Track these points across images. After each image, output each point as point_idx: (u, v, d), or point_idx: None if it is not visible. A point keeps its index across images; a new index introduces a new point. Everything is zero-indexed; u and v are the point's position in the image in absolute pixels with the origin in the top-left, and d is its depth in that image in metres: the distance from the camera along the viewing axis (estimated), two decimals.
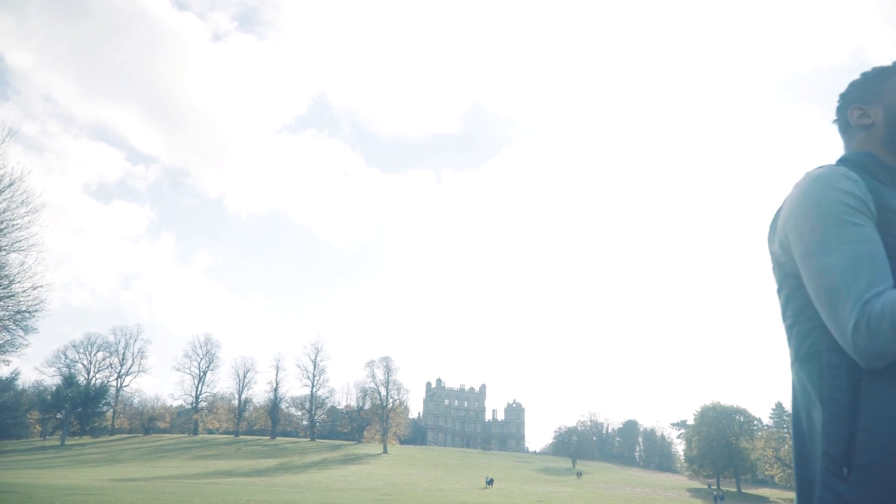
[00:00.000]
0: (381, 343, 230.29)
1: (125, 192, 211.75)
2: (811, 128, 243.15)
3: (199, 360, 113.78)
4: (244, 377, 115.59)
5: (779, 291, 1.60)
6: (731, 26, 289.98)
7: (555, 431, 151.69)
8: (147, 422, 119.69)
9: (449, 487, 58.07)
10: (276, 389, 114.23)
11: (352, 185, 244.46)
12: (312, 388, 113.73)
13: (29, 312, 27.51)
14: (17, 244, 25.83)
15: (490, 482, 65.17)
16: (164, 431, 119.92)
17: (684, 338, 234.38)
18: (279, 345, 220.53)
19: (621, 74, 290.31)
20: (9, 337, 27.87)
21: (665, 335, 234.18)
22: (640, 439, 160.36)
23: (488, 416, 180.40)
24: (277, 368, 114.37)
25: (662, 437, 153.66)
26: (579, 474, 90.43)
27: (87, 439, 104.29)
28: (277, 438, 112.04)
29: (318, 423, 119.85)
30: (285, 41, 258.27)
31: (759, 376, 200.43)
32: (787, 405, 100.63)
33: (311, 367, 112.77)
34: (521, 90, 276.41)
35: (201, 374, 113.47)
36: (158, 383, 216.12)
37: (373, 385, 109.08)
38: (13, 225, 25.71)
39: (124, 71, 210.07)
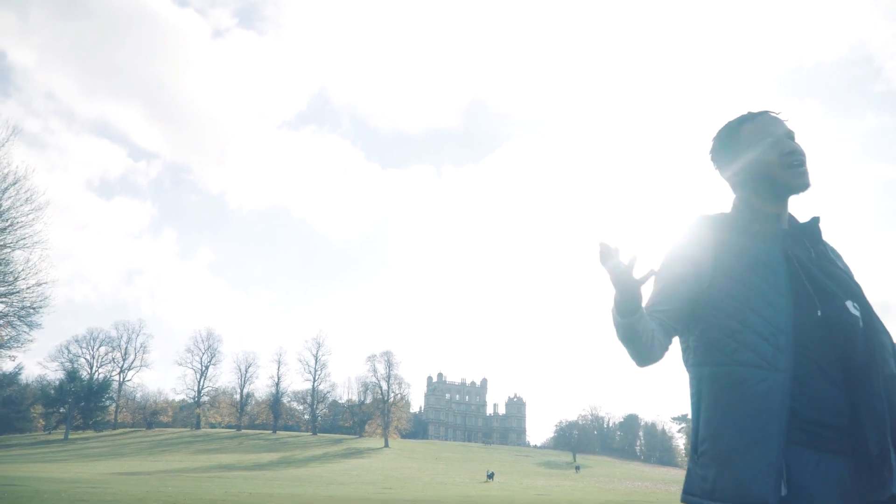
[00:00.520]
0: (382, 338, 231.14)
1: (127, 189, 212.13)
2: (812, 123, 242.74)
3: (200, 354, 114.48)
4: (246, 372, 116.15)
5: None
6: (731, 21, 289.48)
7: (556, 425, 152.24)
8: (150, 416, 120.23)
9: (450, 481, 58.41)
10: (277, 384, 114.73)
11: (352, 180, 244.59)
12: (314, 382, 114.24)
13: (33, 308, 27.84)
14: (21, 241, 26.14)
15: (491, 476, 65.49)
16: (167, 426, 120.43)
17: None
18: (280, 339, 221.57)
19: (621, 69, 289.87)
20: (14, 333, 28.21)
21: None
22: (641, 433, 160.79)
23: (489, 411, 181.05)
24: (279, 363, 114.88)
25: (663, 431, 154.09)
26: (577, 468, 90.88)
27: (90, 433, 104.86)
28: (279, 432, 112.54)
29: (319, 418, 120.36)
30: (285, 37, 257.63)
31: None
32: None
33: (312, 362, 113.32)
34: (521, 85, 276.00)
35: (203, 368, 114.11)
36: (161, 378, 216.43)
37: (374, 379, 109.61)
38: (18, 222, 26.00)
39: (125, 68, 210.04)
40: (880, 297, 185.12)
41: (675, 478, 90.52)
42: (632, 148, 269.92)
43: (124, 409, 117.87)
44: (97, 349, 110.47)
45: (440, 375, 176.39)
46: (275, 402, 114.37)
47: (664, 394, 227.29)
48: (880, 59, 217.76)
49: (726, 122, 2.07)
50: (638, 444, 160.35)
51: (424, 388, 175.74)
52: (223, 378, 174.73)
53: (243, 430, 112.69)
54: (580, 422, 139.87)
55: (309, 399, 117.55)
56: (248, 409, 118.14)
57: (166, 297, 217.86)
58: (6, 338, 27.91)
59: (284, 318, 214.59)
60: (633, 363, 1.81)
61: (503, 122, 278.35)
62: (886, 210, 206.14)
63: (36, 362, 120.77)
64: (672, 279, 1.85)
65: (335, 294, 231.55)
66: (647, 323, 1.71)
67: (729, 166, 2.00)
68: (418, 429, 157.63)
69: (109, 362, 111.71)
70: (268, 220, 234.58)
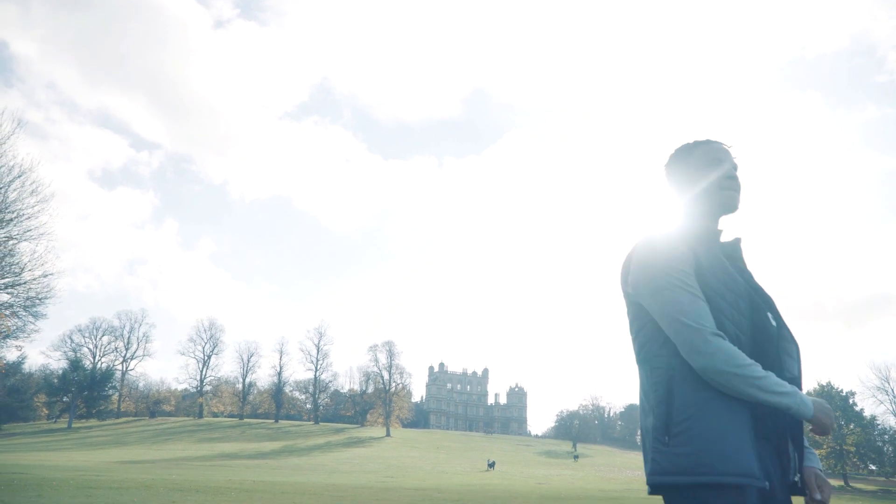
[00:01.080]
0: (383, 328, 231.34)
1: (129, 179, 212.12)
2: (813, 114, 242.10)
3: (203, 344, 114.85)
4: (248, 361, 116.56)
5: (628, 313, 2.13)
6: (732, 11, 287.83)
7: (557, 415, 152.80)
8: (153, 405, 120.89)
9: (451, 470, 58.85)
10: (279, 373, 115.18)
11: (354, 171, 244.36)
12: (316, 372, 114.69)
13: (39, 299, 28.11)
14: (27, 233, 26.38)
15: (492, 465, 65.96)
16: (170, 415, 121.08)
17: None
18: (283, 329, 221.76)
19: (622, 59, 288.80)
20: (20, 323, 28.49)
21: None
22: None
23: (490, 400, 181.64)
24: (281, 353, 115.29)
25: None
26: (576, 457, 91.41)
27: (93, 422, 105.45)
28: (281, 422, 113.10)
29: (321, 407, 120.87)
30: (287, 27, 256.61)
31: None
32: None
33: (314, 352, 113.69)
34: (523, 75, 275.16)
35: (206, 358, 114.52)
36: (163, 367, 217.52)
37: (376, 369, 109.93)
38: (23, 214, 26.23)
39: (127, 58, 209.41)
40: (881, 288, 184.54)
41: None
42: (632, 137, 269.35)
43: (127, 399, 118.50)
44: (100, 339, 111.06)
45: (441, 365, 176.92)
46: (277, 391, 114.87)
47: None
48: (882, 49, 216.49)
49: (683, 144, 2.31)
50: (639, 433, 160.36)
51: (426, 378, 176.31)
52: (225, 368, 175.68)
53: (246, 420, 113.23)
54: (581, 411, 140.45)
55: (311, 388, 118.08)
56: (251, 398, 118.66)
57: (168, 287, 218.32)
58: (12, 328, 28.20)
59: (286, 308, 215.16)
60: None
61: (505, 113, 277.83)
62: (887, 202, 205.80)
63: (39, 351, 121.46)
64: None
65: (337, 284, 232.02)
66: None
67: (680, 183, 2.25)
68: (420, 418, 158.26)
69: (112, 352, 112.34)
70: (269, 210, 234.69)
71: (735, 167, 2.22)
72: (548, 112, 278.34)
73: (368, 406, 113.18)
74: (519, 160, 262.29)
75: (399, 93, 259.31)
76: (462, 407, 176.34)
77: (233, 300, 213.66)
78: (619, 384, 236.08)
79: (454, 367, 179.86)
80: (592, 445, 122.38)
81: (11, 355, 73.44)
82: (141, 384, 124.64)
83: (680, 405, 1.89)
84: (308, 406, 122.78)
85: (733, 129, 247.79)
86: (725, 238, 2.22)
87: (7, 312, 27.37)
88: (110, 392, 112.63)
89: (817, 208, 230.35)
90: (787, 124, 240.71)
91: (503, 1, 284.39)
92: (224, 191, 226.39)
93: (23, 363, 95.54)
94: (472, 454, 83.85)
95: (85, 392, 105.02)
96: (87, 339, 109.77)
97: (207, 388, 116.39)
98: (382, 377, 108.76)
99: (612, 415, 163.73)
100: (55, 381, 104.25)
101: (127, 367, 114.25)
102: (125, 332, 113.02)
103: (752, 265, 2.27)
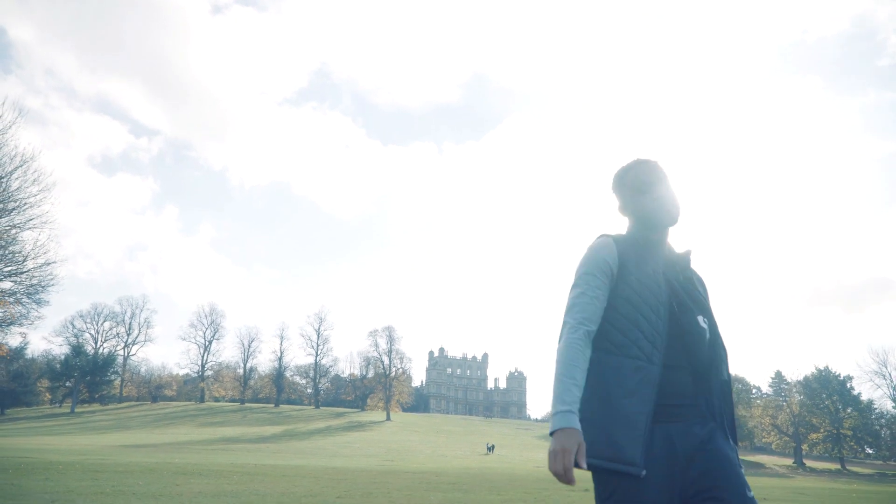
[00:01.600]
0: (383, 313, 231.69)
1: (129, 165, 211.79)
2: (813, 98, 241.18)
3: (204, 329, 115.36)
4: (249, 346, 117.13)
5: None
6: None
7: None
8: (154, 390, 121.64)
9: (451, 454, 59.37)
10: (280, 358, 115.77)
11: (353, 157, 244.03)
12: (316, 357, 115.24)
13: (42, 287, 28.39)
14: (30, 222, 26.62)
15: (491, 448, 66.51)
16: (171, 399, 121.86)
17: None
18: (283, 315, 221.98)
19: (622, 43, 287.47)
20: (24, 311, 28.80)
21: None
22: None
23: (490, 385, 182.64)
24: (282, 338, 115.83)
25: None
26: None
27: (96, 406, 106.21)
28: (282, 406, 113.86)
29: (322, 392, 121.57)
30: (285, 12, 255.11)
31: (760, 346, 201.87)
32: (787, 374, 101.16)
33: (314, 337, 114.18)
34: (522, 60, 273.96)
35: (207, 343, 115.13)
36: (165, 352, 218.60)
37: (376, 354, 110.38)
38: (26, 203, 26.43)
39: (125, 44, 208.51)
40: (880, 273, 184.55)
41: None
42: (632, 122, 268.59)
43: (129, 383, 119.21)
44: (101, 324, 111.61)
45: (441, 350, 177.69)
46: (278, 376, 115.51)
47: None
48: (884, 32, 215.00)
49: (618, 169, 2.57)
50: None
51: (426, 363, 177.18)
52: (226, 353, 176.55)
53: (247, 404, 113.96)
54: None
55: (311, 373, 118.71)
56: (252, 383, 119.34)
57: (169, 273, 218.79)
58: (16, 315, 28.52)
59: (286, 293, 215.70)
60: None
61: (504, 98, 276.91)
62: (887, 186, 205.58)
63: (41, 337, 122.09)
64: (596, 298, 2.27)
65: (336, 270, 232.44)
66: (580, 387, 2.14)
67: (620, 207, 2.52)
68: (420, 402, 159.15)
69: (114, 337, 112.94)
70: (269, 196, 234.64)
71: (664, 185, 2.42)
72: (547, 97, 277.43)
73: (369, 390, 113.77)
74: (519, 146, 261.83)
75: (398, 78, 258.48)
76: (462, 391, 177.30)
77: (233, 286, 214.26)
78: None
79: (454, 351, 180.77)
80: None
81: (14, 341, 74.00)
82: (143, 369, 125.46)
83: (588, 396, 2.12)
84: (309, 390, 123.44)
85: (733, 113, 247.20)
86: (678, 248, 2.47)
87: (11, 300, 27.68)
88: (112, 377, 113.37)
89: (817, 193, 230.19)
90: (787, 109, 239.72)
91: None
92: (224, 177, 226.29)
93: (25, 349, 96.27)
94: (472, 438, 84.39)
95: (87, 377, 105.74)
96: (89, 325, 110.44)
97: (209, 372, 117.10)
98: (382, 362, 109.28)
99: None
100: (58, 366, 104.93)
101: (128, 353, 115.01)
102: (126, 318, 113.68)
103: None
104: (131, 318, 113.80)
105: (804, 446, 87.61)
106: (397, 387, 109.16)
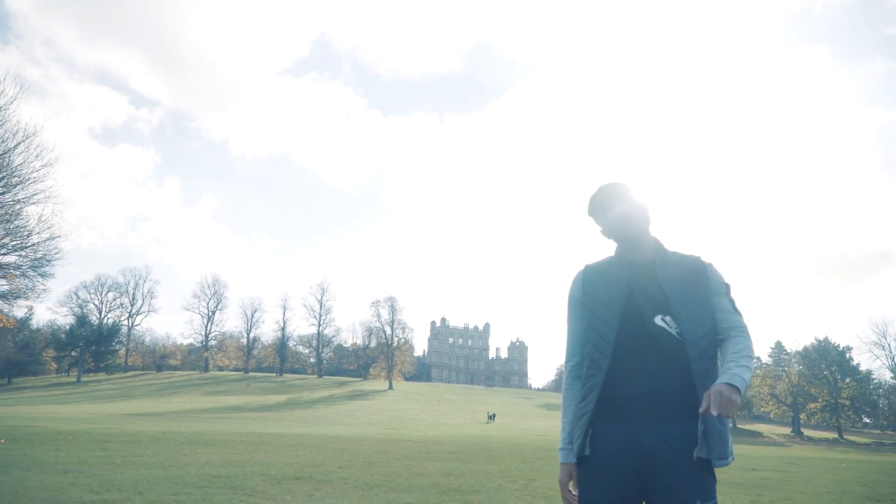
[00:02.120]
0: (385, 283, 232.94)
1: (130, 136, 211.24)
2: (819, 68, 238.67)
3: (207, 300, 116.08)
4: (252, 317, 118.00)
5: None
6: None
7: (557, 368, 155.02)
8: (159, 359, 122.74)
9: (452, 422, 60.13)
10: (283, 328, 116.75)
11: (354, 127, 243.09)
12: (319, 327, 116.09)
13: (47, 260, 28.66)
14: (34, 197, 26.75)
15: (492, 417, 67.31)
16: (176, 368, 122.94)
17: None
18: (285, 285, 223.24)
19: (627, 13, 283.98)
20: (29, 284, 29.11)
21: None
22: None
23: (492, 354, 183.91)
24: (284, 308, 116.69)
25: None
26: None
27: (101, 376, 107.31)
28: (285, 375, 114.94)
29: (325, 361, 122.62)
30: None
31: (762, 316, 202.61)
32: (787, 344, 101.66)
33: (317, 307, 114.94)
34: (525, 29, 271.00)
35: (210, 313, 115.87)
36: (168, 323, 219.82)
37: (378, 324, 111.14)
38: (29, 178, 26.55)
39: (125, 14, 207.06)
40: (882, 244, 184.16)
41: None
42: (636, 92, 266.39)
43: (134, 353, 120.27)
44: (105, 295, 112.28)
45: (443, 320, 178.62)
46: (281, 345, 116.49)
47: None
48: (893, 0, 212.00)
49: (589, 197, 2.77)
50: None
51: (428, 333, 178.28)
52: (230, 323, 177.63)
53: (250, 373, 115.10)
54: None
55: (314, 343, 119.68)
56: (255, 352, 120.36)
57: (172, 244, 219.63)
58: (22, 289, 28.84)
59: (288, 264, 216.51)
60: None
61: (507, 68, 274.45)
62: (891, 157, 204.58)
63: (46, 307, 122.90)
64: (575, 331, 2.65)
65: (338, 241, 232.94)
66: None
67: (598, 225, 2.74)
68: (422, 372, 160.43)
69: (118, 307, 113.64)
70: (271, 167, 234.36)
71: (621, 202, 2.60)
72: (550, 67, 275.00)
73: (371, 360, 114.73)
74: (521, 116, 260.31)
75: (399, 47, 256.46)
76: (463, 361, 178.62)
77: (236, 256, 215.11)
78: None
79: (456, 321, 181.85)
80: None
81: (20, 313, 74.62)
82: (147, 339, 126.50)
83: (563, 400, 2.69)
84: (312, 360, 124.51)
85: (740, 83, 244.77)
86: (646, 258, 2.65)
87: (17, 273, 27.97)
88: (117, 347, 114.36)
89: (821, 163, 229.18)
90: (793, 79, 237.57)
91: None
92: (225, 147, 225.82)
93: (30, 319, 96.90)
94: (473, 407, 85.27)
95: (92, 347, 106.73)
96: (93, 296, 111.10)
97: (212, 342, 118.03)
98: (385, 332, 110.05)
99: None
100: (63, 336, 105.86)
101: (133, 323, 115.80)
102: (130, 289, 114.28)
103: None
104: (135, 288, 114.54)
105: (802, 416, 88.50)
106: (399, 356, 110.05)
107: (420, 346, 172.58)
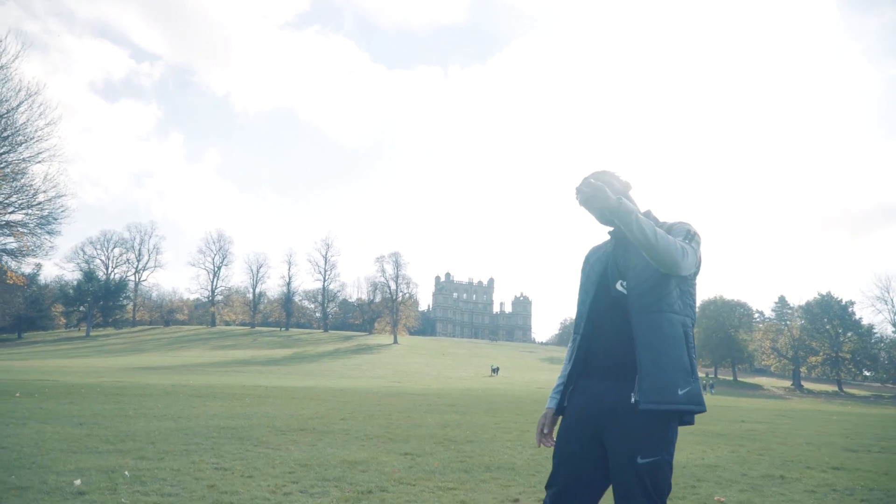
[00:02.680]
0: (390, 238, 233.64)
1: (131, 91, 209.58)
2: (828, 18, 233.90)
3: (213, 255, 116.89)
4: (257, 272, 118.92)
5: None
6: None
7: (560, 323, 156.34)
8: (166, 314, 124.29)
9: (455, 375, 61.11)
10: (288, 284, 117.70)
11: (358, 81, 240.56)
12: (324, 282, 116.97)
13: (53, 218, 28.99)
14: (39, 155, 26.92)
15: (495, 370, 68.34)
16: (183, 323, 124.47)
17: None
18: (290, 241, 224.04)
19: None
20: (37, 241, 29.50)
21: None
22: None
23: (496, 309, 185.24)
24: (290, 263, 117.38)
25: None
26: None
27: (110, 330, 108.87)
28: (291, 329, 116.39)
29: (330, 316, 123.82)
30: None
31: (766, 271, 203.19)
32: (790, 299, 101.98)
33: (322, 263, 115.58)
34: None
35: (216, 269, 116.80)
36: (175, 278, 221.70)
37: (383, 279, 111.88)
38: (34, 137, 26.67)
39: None
40: (888, 198, 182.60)
41: None
42: (644, 45, 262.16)
43: (142, 308, 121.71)
44: (111, 250, 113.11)
45: (448, 275, 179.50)
46: (286, 300, 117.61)
47: None
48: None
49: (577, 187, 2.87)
50: None
51: (432, 288, 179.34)
52: (235, 278, 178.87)
53: (257, 328, 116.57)
54: None
55: (319, 298, 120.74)
56: (261, 307, 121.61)
57: (176, 200, 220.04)
58: (30, 246, 29.27)
59: (293, 219, 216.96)
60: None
61: (513, 18, 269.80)
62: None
63: (53, 263, 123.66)
64: (581, 303, 2.82)
65: (343, 196, 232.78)
66: None
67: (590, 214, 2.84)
68: (426, 326, 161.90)
69: (124, 263, 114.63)
70: (274, 122, 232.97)
71: (601, 196, 2.58)
72: (557, 18, 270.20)
73: (376, 315, 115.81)
74: (525, 70, 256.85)
75: None
76: (468, 315, 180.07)
77: (240, 212, 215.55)
78: None
79: (460, 276, 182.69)
80: None
81: (28, 269, 75.37)
82: (154, 294, 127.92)
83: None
84: (317, 315, 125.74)
85: (746, 37, 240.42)
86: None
87: (25, 231, 28.36)
88: (125, 302, 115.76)
89: (827, 117, 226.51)
90: (800, 31, 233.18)
91: None
92: (227, 102, 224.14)
93: (38, 275, 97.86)
94: (477, 360, 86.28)
95: (100, 302, 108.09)
96: (99, 251, 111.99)
97: (219, 297, 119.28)
98: (389, 287, 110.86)
99: None
100: (70, 291, 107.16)
101: (139, 278, 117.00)
102: (136, 244, 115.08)
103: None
104: (140, 244, 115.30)
105: (803, 369, 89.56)
106: (404, 311, 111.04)
107: (425, 301, 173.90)
